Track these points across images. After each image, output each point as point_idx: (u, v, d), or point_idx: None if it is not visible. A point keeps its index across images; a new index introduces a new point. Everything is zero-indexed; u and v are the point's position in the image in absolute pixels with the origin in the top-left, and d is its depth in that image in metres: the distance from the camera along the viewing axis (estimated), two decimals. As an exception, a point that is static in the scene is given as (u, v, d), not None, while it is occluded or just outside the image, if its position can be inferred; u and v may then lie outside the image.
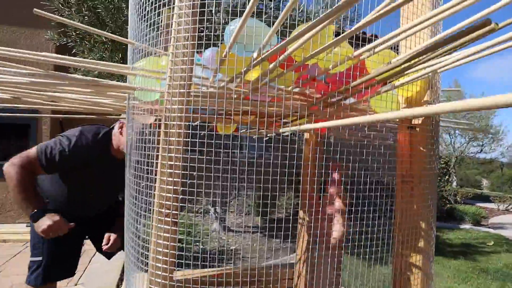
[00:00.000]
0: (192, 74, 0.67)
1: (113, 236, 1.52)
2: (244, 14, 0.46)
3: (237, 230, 4.06)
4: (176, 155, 0.62)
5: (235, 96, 0.72)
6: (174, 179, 0.62)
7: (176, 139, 0.62)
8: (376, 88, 0.84)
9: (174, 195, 0.61)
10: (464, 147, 13.65)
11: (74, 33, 2.55)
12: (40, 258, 1.49)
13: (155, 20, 0.67)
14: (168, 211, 0.62)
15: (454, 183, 12.88)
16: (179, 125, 0.62)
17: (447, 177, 6.87)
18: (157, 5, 0.64)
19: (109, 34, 0.73)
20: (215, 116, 0.93)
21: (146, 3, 0.66)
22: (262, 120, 0.77)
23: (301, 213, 1.51)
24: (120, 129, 1.42)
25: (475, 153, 14.22)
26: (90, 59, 2.50)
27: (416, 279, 0.82)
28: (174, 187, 0.62)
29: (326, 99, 0.81)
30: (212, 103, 0.69)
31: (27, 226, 3.83)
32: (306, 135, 1.45)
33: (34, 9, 0.61)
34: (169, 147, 0.62)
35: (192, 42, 0.64)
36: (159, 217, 0.62)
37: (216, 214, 3.96)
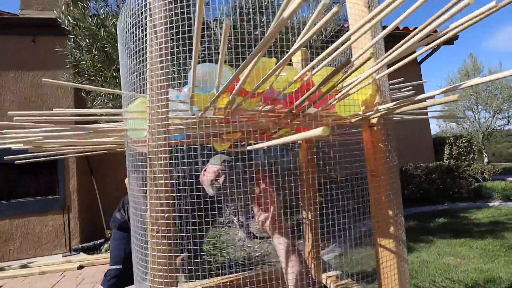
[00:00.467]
0: (169, 110, 0.81)
1: None
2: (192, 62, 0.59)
3: (262, 236, 4.18)
4: (160, 181, 0.76)
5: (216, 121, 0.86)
6: (161, 201, 0.76)
7: (159, 168, 0.76)
8: (330, 97, 0.95)
9: (161, 214, 0.75)
10: (489, 122, 13.15)
11: (87, 72, 2.78)
12: (120, 266, 1.82)
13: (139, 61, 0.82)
14: (159, 227, 0.76)
15: (486, 160, 12.40)
16: (160, 156, 0.76)
17: (471, 155, 6.69)
18: (141, 47, 0.79)
19: (105, 89, 0.88)
20: (211, 138, 1.07)
21: (132, 48, 0.81)
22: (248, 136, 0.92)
23: (304, 213, 1.62)
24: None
25: (502, 126, 13.64)
26: (102, 93, 2.73)
27: (391, 262, 0.92)
28: (161, 208, 0.75)
29: (290, 113, 0.93)
30: (198, 129, 0.83)
31: (63, 257, 4.12)
32: (300, 141, 1.57)
33: (43, 79, 0.77)
34: (154, 175, 0.76)
35: (166, 83, 0.78)
36: (152, 234, 0.76)
37: (240, 223, 4.09)
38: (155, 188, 0.77)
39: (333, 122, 1.05)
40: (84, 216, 4.52)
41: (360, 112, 0.94)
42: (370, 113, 0.93)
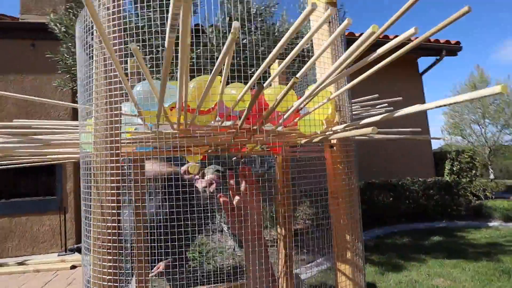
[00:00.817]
0: (118, 125, 0.79)
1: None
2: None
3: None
4: (105, 197, 0.74)
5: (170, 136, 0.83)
6: (104, 217, 0.73)
7: (105, 184, 0.74)
8: (293, 117, 0.92)
9: (105, 230, 0.72)
10: (497, 137, 12.85)
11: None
12: None
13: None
14: (103, 243, 0.73)
15: (491, 176, 12.10)
16: (106, 172, 0.74)
17: (474, 171, 6.53)
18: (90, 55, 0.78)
19: (60, 102, 0.87)
20: (177, 149, 1.04)
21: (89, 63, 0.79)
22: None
23: (278, 229, 1.58)
24: None
25: (510, 141, 13.31)
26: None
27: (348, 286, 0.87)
28: (104, 224, 0.73)
29: (249, 130, 0.90)
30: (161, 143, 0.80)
31: (58, 256, 4.12)
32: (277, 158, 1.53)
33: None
34: (98, 191, 0.73)
35: (110, 94, 0.76)
36: (94, 249, 0.73)
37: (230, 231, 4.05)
38: (99, 204, 0.75)
39: (296, 139, 1.02)
40: (80, 217, 4.51)
41: (318, 132, 0.91)
42: (328, 133, 0.89)
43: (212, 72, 0.47)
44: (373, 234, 4.38)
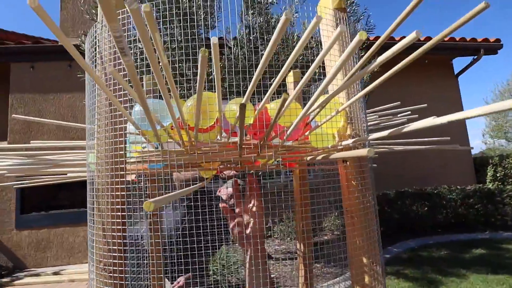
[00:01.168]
0: (121, 145, 0.78)
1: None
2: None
3: (278, 257, 4.03)
4: (107, 219, 0.72)
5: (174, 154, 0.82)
6: (107, 240, 0.72)
7: (107, 206, 0.73)
8: (302, 131, 0.88)
9: (108, 253, 0.71)
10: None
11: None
12: None
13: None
14: (105, 266, 0.72)
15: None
16: (108, 194, 0.73)
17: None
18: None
19: (68, 123, 0.88)
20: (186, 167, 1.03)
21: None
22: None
23: (297, 245, 1.51)
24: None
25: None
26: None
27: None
28: (109, 247, 0.71)
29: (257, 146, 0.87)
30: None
31: (92, 266, 4.27)
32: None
33: (13, 115, 0.78)
34: (100, 212, 0.72)
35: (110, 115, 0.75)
36: (97, 272, 0.72)
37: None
38: (101, 226, 0.74)
39: (306, 155, 0.97)
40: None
41: (329, 146, 0.85)
42: (340, 147, 0.83)
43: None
44: (406, 246, 4.12)
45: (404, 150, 1.02)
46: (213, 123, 0.73)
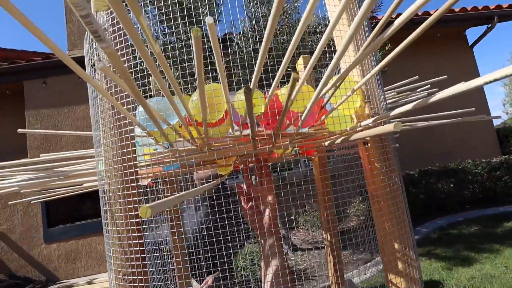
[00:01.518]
0: (130, 149, 0.75)
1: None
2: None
3: (304, 248, 4.00)
4: (121, 227, 0.70)
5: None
6: (124, 248, 0.70)
7: (120, 214, 0.71)
8: (317, 115, 0.83)
9: (126, 262, 0.69)
10: None
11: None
12: None
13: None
14: (125, 276, 0.70)
15: None
16: (120, 201, 0.70)
17: None
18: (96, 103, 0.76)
19: (74, 132, 0.87)
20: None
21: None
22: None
23: (324, 234, 1.47)
24: None
25: None
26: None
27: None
28: (126, 255, 0.69)
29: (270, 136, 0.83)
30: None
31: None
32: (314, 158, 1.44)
33: (18, 130, 0.77)
34: (114, 221, 0.70)
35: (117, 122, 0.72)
36: (117, 283, 0.70)
37: (282, 235, 3.97)
38: (117, 235, 0.71)
39: (323, 140, 0.93)
40: (137, 233, 4.75)
41: (348, 129, 0.80)
42: (358, 128, 0.78)
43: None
44: (435, 225, 4.00)
45: (427, 126, 0.95)
46: (221, 116, 0.69)
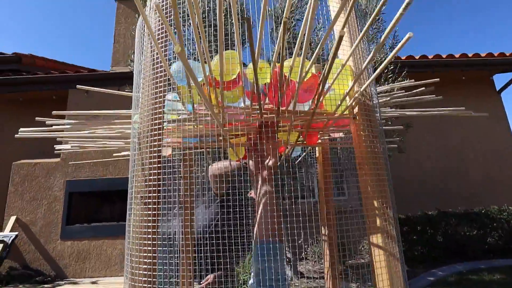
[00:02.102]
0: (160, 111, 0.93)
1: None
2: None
3: (310, 276, 3.93)
4: (147, 166, 0.86)
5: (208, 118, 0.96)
6: (147, 205, 0.85)
7: (147, 149, 0.87)
8: (311, 94, 0.99)
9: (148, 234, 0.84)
10: None
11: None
12: None
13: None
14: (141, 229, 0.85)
15: None
16: (148, 139, 0.87)
17: None
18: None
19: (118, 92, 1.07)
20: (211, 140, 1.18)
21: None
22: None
23: (323, 230, 1.56)
24: None
25: None
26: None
27: (381, 258, 0.84)
28: (147, 206, 0.85)
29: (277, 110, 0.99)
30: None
31: (127, 278, 4.44)
32: (317, 154, 1.57)
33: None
34: (144, 178, 0.87)
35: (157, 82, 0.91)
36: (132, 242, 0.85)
37: (287, 259, 3.94)
38: (141, 169, 0.88)
39: (322, 116, 1.07)
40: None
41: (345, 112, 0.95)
42: (349, 102, 0.93)
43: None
44: (454, 270, 3.83)
45: (414, 115, 1.08)
46: (235, 76, 0.87)
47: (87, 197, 5.16)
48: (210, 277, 1.64)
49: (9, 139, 5.81)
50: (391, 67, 3.51)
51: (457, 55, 5.66)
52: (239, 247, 1.51)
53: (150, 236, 0.82)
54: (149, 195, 0.85)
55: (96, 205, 5.33)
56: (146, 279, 0.78)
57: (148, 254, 0.81)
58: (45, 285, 4.19)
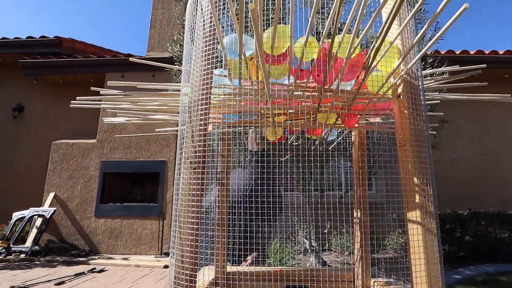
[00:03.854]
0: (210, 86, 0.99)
1: None
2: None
3: (334, 267, 3.95)
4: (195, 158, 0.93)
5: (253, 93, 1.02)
6: (191, 186, 0.92)
7: (197, 117, 0.94)
8: (355, 74, 1.01)
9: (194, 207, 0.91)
10: None
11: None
12: None
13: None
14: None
15: None
16: (198, 108, 0.94)
17: None
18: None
19: (171, 66, 1.15)
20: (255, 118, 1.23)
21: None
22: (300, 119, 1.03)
23: (355, 213, 1.59)
24: None
25: None
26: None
27: (418, 235, 0.86)
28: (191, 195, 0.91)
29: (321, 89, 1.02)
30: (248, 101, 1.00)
31: (155, 257, 4.66)
32: (353, 138, 1.59)
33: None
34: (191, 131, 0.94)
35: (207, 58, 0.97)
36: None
37: (312, 248, 3.98)
38: (191, 141, 0.94)
39: (364, 96, 1.09)
40: (175, 224, 5.07)
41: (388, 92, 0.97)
42: (394, 81, 0.95)
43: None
44: (482, 270, 3.71)
45: (460, 99, 1.07)
46: (285, 50, 0.90)
47: (120, 178, 5.43)
48: (249, 258, 1.70)
49: (51, 118, 6.21)
50: (430, 60, 3.41)
51: (501, 52, 5.36)
52: (271, 217, 1.55)
53: (197, 198, 0.88)
54: (197, 160, 0.91)
55: (128, 186, 5.60)
56: (193, 237, 0.84)
57: (195, 215, 0.87)
58: (80, 258, 4.48)
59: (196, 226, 0.82)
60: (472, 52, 5.38)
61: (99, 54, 6.15)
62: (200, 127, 0.86)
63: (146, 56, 5.63)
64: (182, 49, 3.15)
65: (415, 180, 0.89)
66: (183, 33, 3.25)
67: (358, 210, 1.53)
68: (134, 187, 5.60)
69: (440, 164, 5.20)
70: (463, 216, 4.25)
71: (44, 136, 6.01)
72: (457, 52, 5.37)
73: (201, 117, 0.92)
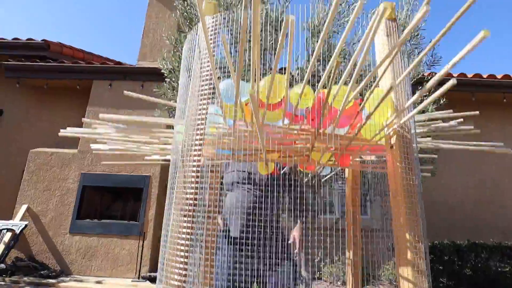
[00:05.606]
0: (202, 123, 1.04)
1: None
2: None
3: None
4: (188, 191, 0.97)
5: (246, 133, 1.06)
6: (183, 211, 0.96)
7: (189, 180, 0.98)
8: (350, 120, 1.07)
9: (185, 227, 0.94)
10: None
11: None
12: None
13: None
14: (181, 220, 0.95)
15: None
16: (190, 164, 0.98)
17: None
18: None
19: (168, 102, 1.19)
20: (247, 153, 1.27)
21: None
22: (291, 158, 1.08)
23: (347, 254, 1.63)
24: None
25: None
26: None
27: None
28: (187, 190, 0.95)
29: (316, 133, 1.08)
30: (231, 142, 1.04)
31: (132, 281, 4.59)
32: (346, 174, 1.65)
33: (124, 91, 1.11)
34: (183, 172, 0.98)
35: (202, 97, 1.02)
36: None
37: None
38: (183, 178, 0.98)
39: (359, 142, 1.15)
40: (156, 245, 5.03)
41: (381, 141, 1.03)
42: (387, 131, 1.01)
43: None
44: (481, 308, 3.76)
45: (449, 148, 1.14)
46: (280, 99, 0.96)
47: (100, 192, 5.39)
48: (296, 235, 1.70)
49: (31, 125, 6.16)
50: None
51: (499, 76, 5.58)
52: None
53: (186, 242, 0.92)
54: (188, 207, 0.95)
55: (109, 201, 5.55)
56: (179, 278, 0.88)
57: (183, 260, 0.90)
58: (50, 280, 4.39)
59: (184, 278, 0.85)
60: (469, 76, 5.58)
61: (87, 60, 6.18)
62: (192, 179, 0.91)
63: (137, 66, 5.69)
64: (172, 65, 3.22)
65: (407, 236, 0.94)
66: (173, 50, 3.33)
67: (352, 252, 1.57)
68: (114, 203, 5.55)
69: (437, 190, 5.30)
70: (462, 247, 4.32)
71: (22, 143, 5.96)
72: (455, 75, 5.56)
73: (193, 169, 0.96)
